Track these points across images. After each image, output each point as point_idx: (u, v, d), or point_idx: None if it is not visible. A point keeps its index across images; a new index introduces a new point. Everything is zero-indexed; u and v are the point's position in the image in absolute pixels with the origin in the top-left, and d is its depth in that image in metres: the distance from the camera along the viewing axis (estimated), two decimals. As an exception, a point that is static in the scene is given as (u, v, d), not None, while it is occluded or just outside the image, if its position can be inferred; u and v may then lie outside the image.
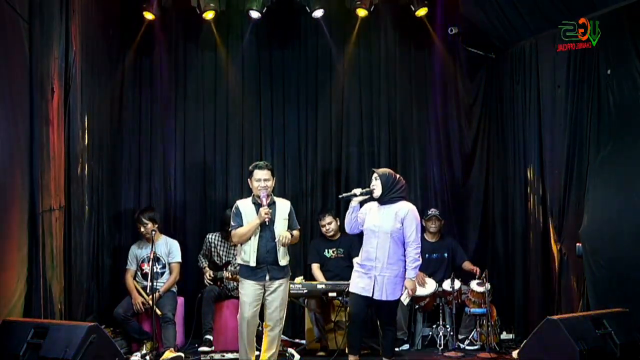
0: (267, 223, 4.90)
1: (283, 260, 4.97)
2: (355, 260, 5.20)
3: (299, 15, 6.97)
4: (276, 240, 4.92)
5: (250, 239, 4.92)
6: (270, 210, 4.93)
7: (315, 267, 6.31)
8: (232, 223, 5.03)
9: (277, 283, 4.95)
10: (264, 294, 4.95)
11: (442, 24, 7.04)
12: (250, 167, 5.12)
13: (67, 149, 5.20)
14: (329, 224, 6.28)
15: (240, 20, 6.98)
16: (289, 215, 5.09)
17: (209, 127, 7.03)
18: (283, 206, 5.09)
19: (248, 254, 4.92)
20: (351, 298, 5.06)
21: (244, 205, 5.04)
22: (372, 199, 5.07)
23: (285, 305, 5.04)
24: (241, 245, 4.98)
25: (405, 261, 4.92)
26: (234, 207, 5.08)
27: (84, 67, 5.55)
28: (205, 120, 7.03)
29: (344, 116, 7.13)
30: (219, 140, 7.04)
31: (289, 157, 7.09)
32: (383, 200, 4.99)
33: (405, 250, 4.92)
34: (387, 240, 4.90)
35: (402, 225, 4.89)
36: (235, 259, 6.17)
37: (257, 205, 4.98)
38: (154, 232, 5.87)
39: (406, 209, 4.94)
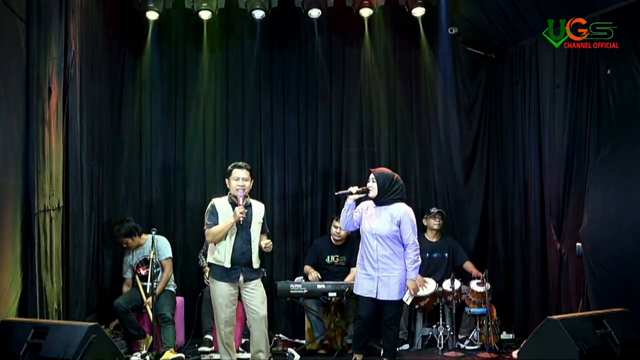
0: (241, 223, 4.85)
1: (256, 263, 4.95)
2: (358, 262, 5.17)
3: (299, 15, 6.97)
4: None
5: (225, 239, 4.88)
6: (246, 211, 4.88)
7: (308, 268, 6.25)
8: (207, 222, 4.95)
9: (252, 283, 4.93)
10: (239, 295, 4.93)
11: (442, 24, 7.04)
12: (229, 167, 5.08)
13: (66, 149, 5.18)
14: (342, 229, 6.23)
15: (240, 21, 6.98)
16: (263, 218, 5.06)
17: (209, 127, 7.03)
18: (259, 209, 5.04)
19: (222, 254, 4.87)
20: (360, 300, 5.06)
21: (220, 204, 4.97)
22: (368, 198, 5.06)
23: (265, 301, 4.97)
24: (215, 244, 4.92)
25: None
26: (209, 205, 5.02)
27: (83, 67, 5.54)
28: (205, 121, 7.02)
29: (344, 116, 7.12)
30: (219, 140, 7.04)
31: (289, 157, 7.09)
32: (379, 201, 4.98)
33: (405, 249, 4.93)
34: (386, 241, 4.90)
35: (399, 227, 4.90)
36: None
37: (234, 205, 4.91)
38: (154, 234, 5.76)
39: (402, 212, 4.92)
